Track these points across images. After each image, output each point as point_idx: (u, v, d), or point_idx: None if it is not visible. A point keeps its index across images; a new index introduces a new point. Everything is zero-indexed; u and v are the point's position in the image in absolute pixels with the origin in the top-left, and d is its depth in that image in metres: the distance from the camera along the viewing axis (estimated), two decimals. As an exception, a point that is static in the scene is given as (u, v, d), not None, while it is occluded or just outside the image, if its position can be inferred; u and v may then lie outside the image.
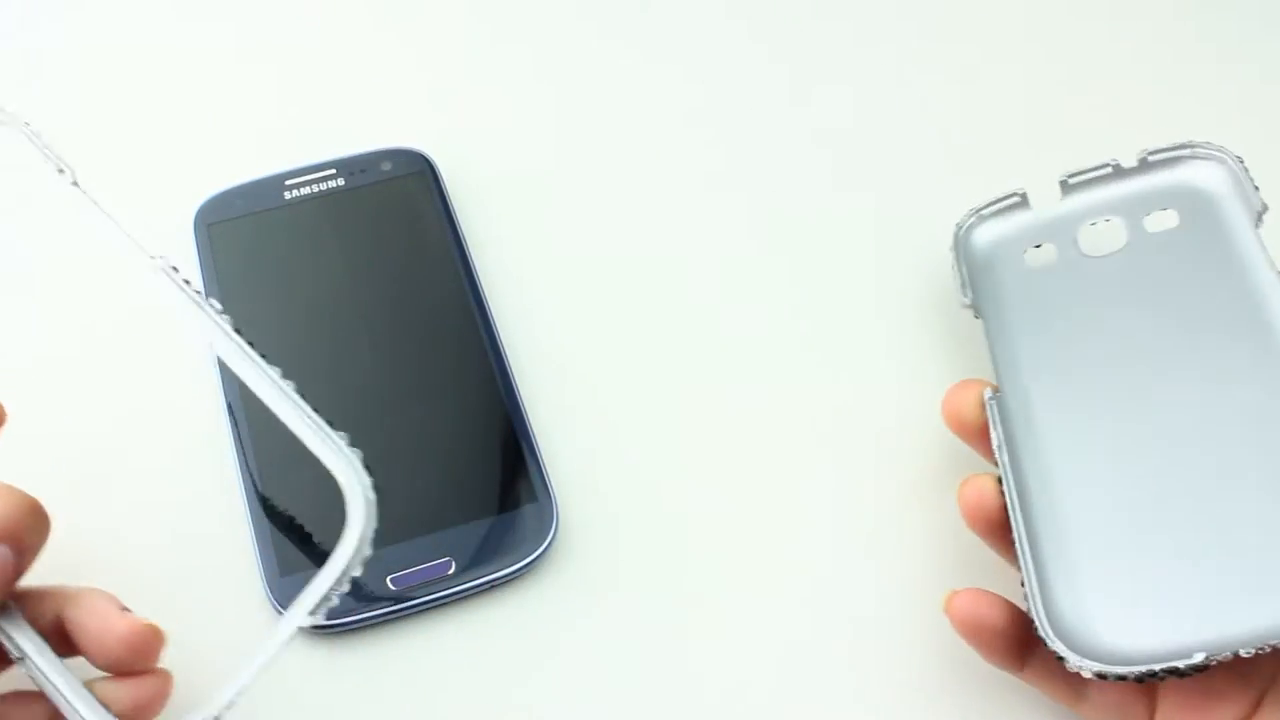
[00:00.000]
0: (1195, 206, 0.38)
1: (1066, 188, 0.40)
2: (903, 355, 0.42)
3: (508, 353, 0.40)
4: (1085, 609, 0.32)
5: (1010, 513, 0.34)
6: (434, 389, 0.38)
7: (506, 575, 0.36)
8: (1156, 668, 0.29)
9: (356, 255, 0.41)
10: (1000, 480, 0.34)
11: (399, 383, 0.39)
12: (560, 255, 0.44)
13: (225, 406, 0.39)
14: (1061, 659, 0.30)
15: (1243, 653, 0.29)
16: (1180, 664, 0.29)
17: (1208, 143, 0.38)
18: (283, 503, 0.37)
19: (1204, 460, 0.33)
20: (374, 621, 0.36)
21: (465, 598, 0.36)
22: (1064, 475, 0.34)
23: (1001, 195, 0.41)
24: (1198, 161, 0.38)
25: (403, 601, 0.35)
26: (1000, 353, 0.38)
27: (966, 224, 0.41)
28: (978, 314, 0.39)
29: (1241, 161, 0.38)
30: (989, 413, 0.36)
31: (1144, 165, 0.39)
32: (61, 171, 0.33)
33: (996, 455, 0.35)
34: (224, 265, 0.41)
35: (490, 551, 0.36)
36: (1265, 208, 0.36)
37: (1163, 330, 0.36)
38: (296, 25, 0.51)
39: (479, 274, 0.42)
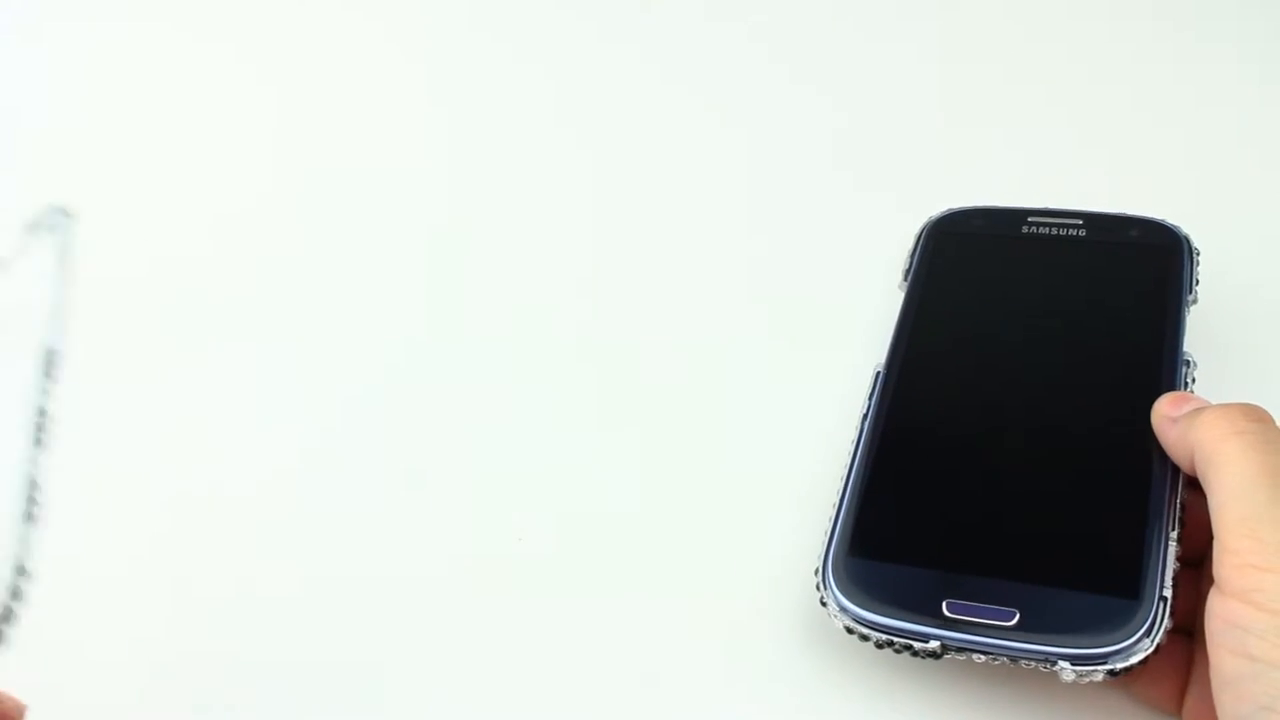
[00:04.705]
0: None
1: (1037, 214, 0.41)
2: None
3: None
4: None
5: (847, 470, 0.35)
6: (1091, 434, 0.36)
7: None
8: (896, 640, 0.32)
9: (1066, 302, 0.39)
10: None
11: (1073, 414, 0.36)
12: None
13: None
14: (824, 604, 0.33)
15: (975, 659, 0.31)
16: (916, 645, 0.32)
17: (1178, 227, 0.39)
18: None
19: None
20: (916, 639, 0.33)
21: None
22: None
23: (984, 205, 0.42)
24: (1164, 230, 0.39)
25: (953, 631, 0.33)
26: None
27: (938, 218, 0.42)
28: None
29: (1195, 255, 0.38)
30: (870, 385, 0.37)
31: (1117, 218, 0.40)
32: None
33: (859, 423, 0.36)
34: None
35: (1066, 626, 0.32)
36: (1196, 300, 0.37)
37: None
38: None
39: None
